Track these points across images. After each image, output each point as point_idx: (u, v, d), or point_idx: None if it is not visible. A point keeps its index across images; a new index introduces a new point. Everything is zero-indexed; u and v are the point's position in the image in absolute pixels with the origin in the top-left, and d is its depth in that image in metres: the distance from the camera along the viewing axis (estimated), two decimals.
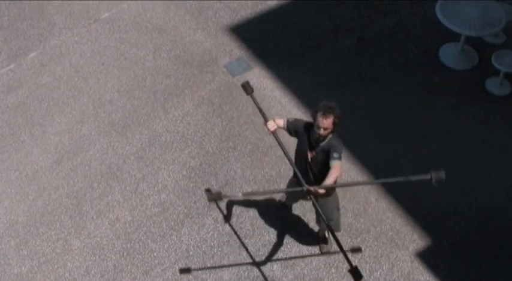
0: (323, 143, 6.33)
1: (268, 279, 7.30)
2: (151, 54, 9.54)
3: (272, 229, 7.66)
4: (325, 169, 6.31)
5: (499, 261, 7.37)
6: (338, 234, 7.52)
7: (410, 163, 8.18)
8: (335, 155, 6.20)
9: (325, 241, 7.47)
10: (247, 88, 6.70)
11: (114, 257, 7.53)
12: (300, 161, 6.52)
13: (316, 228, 7.55)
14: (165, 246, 7.59)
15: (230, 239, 7.60)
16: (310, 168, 6.50)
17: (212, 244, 7.58)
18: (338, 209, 7.02)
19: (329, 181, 6.13)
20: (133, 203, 7.95)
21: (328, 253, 7.46)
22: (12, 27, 10.00)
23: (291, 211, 7.77)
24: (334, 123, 6.19)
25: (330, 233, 7.08)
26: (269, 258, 7.45)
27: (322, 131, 6.20)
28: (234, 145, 8.43)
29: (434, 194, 7.88)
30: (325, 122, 6.14)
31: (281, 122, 6.55)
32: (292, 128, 6.53)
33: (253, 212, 7.78)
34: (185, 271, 7.37)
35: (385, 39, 9.63)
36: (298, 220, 7.71)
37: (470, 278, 7.25)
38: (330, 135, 6.32)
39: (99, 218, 7.85)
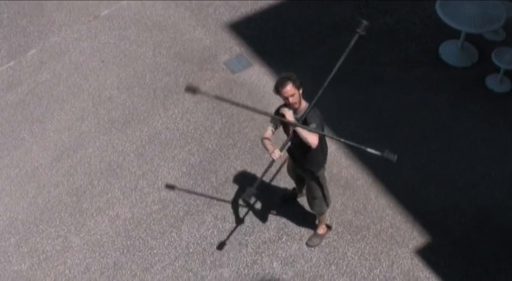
0: (299, 116, 6.44)
1: (268, 276, 7.30)
2: (151, 52, 9.53)
3: (272, 226, 7.66)
4: (304, 147, 6.48)
5: (499, 259, 7.37)
6: (340, 231, 7.57)
7: (410, 161, 8.18)
8: (311, 125, 6.36)
9: (316, 231, 7.53)
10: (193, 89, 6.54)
11: (114, 255, 7.53)
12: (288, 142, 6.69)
13: (313, 224, 7.57)
14: (165, 243, 7.59)
15: (230, 236, 7.60)
16: (294, 146, 6.72)
17: (212, 241, 7.59)
18: (322, 190, 7.02)
19: (302, 134, 6.31)
20: (133, 200, 7.95)
21: (316, 246, 7.50)
22: (12, 24, 10.00)
23: (292, 206, 7.77)
24: (296, 87, 6.35)
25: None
26: (269, 255, 7.45)
27: (291, 99, 6.37)
28: (234, 142, 8.43)
29: (435, 192, 7.89)
30: (287, 90, 6.32)
31: (270, 132, 6.70)
32: (275, 123, 6.67)
33: (253, 210, 7.78)
34: (185, 268, 7.38)
35: (385, 37, 9.63)
36: (298, 217, 7.70)
37: (470, 276, 7.26)
38: (304, 106, 6.44)
39: (99, 215, 7.85)
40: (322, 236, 7.52)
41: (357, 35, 6.54)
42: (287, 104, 6.45)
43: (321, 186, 6.99)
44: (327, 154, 6.94)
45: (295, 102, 6.40)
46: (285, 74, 6.42)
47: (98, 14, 10.09)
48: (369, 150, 6.16)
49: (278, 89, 6.37)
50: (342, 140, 6.38)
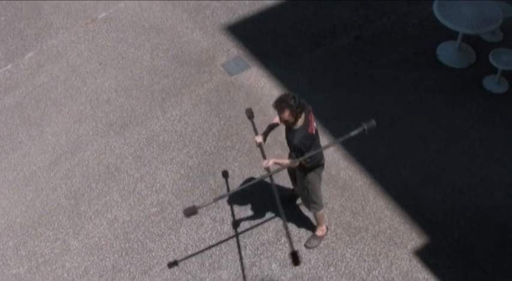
0: (294, 128, 6.53)
1: (267, 278, 7.30)
2: (148, 54, 9.54)
3: (270, 228, 7.66)
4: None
5: (497, 260, 7.37)
6: (339, 232, 7.58)
7: (408, 162, 8.18)
8: (293, 154, 6.58)
9: (314, 231, 7.53)
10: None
11: (112, 257, 7.52)
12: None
13: (312, 226, 7.58)
14: (164, 246, 7.58)
15: (228, 238, 7.60)
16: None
17: (211, 243, 7.58)
18: (308, 191, 7.01)
19: (279, 160, 6.75)
20: (131, 203, 7.94)
21: (314, 248, 7.49)
22: (9, 27, 10.00)
23: (290, 207, 7.76)
24: (293, 116, 6.40)
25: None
26: (268, 257, 7.44)
27: (283, 122, 6.53)
28: (232, 144, 8.42)
29: (433, 193, 7.89)
30: (282, 116, 6.42)
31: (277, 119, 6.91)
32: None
33: (251, 211, 7.78)
34: (184, 270, 7.37)
35: (383, 38, 9.63)
36: (297, 218, 7.70)
37: (468, 277, 7.25)
38: (301, 124, 6.51)
39: (97, 218, 7.84)
40: (320, 238, 7.52)
41: (362, 129, 6.51)
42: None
43: (307, 188, 6.98)
44: (320, 158, 6.89)
45: (288, 125, 6.51)
46: (286, 97, 6.39)
47: (96, 16, 10.09)
48: (353, 134, 6.39)
49: (276, 108, 6.42)
50: (328, 145, 6.61)
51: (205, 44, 9.64)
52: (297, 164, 6.59)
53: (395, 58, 9.38)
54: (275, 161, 6.68)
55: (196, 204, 6.92)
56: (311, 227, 7.59)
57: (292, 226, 7.65)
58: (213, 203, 7.24)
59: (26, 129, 8.72)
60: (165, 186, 8.07)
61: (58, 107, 8.93)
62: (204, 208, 7.80)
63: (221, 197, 7.03)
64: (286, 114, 6.34)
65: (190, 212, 6.47)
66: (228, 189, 7.99)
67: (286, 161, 6.69)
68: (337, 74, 9.20)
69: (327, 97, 8.75)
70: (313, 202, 7.13)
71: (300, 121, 6.48)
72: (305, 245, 7.51)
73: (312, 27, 9.80)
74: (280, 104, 6.36)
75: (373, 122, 6.33)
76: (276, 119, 6.85)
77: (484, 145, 8.37)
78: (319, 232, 7.51)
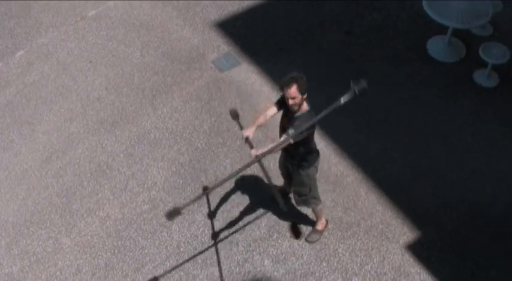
0: (297, 114, 6.48)
1: (260, 274, 7.30)
2: (138, 51, 9.52)
3: (262, 224, 7.66)
4: (297, 143, 6.51)
5: (490, 253, 7.39)
6: (331, 228, 7.58)
7: (400, 157, 8.19)
8: (289, 130, 6.35)
9: (314, 226, 7.53)
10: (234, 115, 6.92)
11: (105, 255, 7.51)
12: (280, 133, 6.77)
13: (307, 222, 7.58)
14: (156, 243, 7.58)
15: (221, 235, 7.60)
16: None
17: (203, 240, 7.58)
18: (310, 188, 7.03)
19: (271, 145, 6.43)
20: (123, 201, 7.93)
21: (315, 243, 7.49)
22: None
23: (282, 203, 7.77)
24: (300, 92, 6.34)
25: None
26: (260, 253, 7.44)
27: (291, 101, 6.37)
28: (223, 141, 8.42)
29: (425, 187, 7.91)
30: (290, 92, 6.31)
31: (273, 110, 6.74)
32: (280, 101, 6.67)
33: (243, 208, 7.78)
34: (176, 267, 7.37)
35: (373, 34, 9.64)
36: (289, 214, 7.69)
37: (461, 271, 7.28)
38: (304, 110, 6.47)
39: (89, 216, 7.83)
40: (321, 232, 7.52)
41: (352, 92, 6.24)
42: (286, 105, 6.47)
43: (308, 184, 7.00)
44: (318, 155, 6.94)
45: (295, 105, 6.39)
46: (295, 75, 6.39)
47: (85, 14, 10.07)
48: (343, 100, 6.24)
49: (282, 87, 6.36)
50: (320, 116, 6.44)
51: (195, 41, 9.63)
52: (292, 141, 6.35)
53: (387, 53, 9.39)
54: (264, 151, 6.43)
55: (178, 205, 6.91)
56: (303, 222, 7.60)
57: (284, 222, 7.67)
58: (194, 203, 7.34)
59: (17, 128, 8.69)
60: (156, 183, 8.06)
61: (49, 106, 8.91)
62: (196, 205, 7.81)
63: (202, 196, 7.00)
64: (293, 89, 6.27)
65: (173, 214, 6.52)
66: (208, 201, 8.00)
67: (280, 140, 6.43)
68: (328, 70, 9.21)
69: (318, 93, 8.71)
70: (313, 197, 7.13)
71: (305, 105, 6.45)
72: (306, 239, 7.50)
73: (303, 23, 9.80)
74: (287, 80, 6.31)
75: (363, 82, 6.07)
76: (261, 119, 6.74)
77: (476, 139, 8.39)
78: (319, 226, 7.50)
